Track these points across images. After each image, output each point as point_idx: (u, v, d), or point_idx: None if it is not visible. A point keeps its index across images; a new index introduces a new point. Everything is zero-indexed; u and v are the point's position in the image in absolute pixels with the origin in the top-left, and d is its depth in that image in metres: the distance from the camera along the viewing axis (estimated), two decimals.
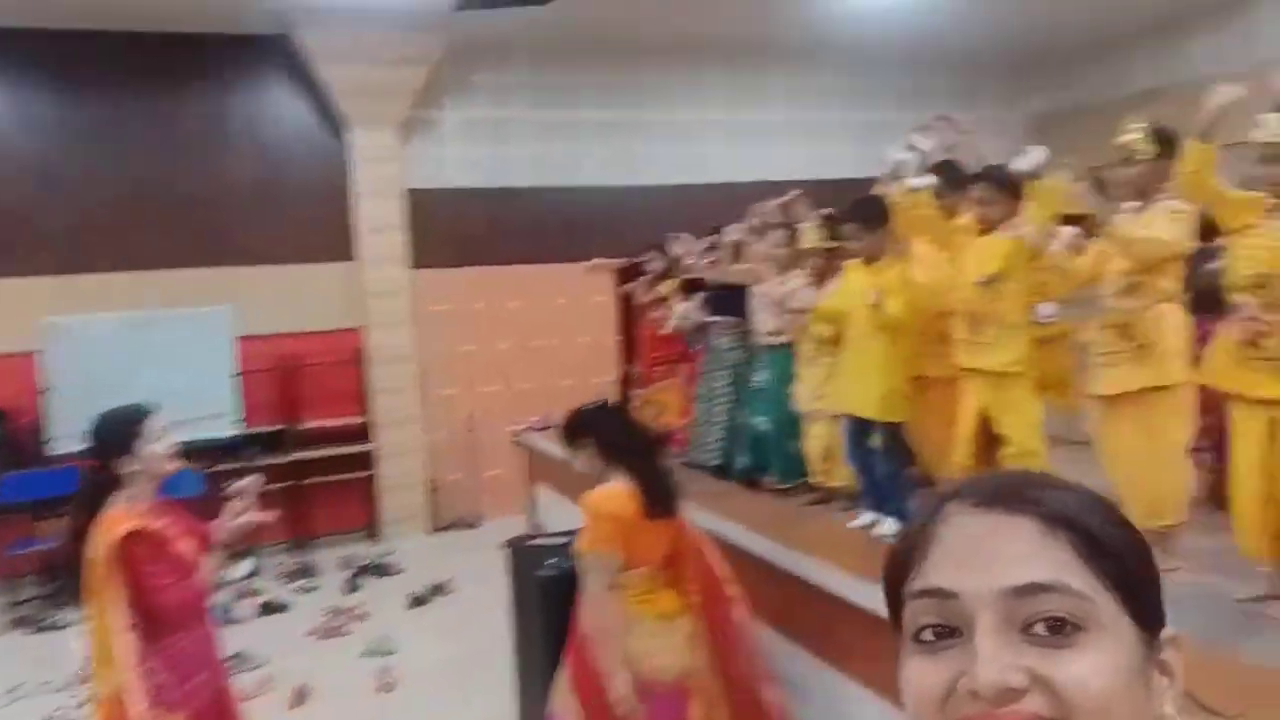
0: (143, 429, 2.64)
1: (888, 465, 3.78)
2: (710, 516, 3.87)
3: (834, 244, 4.20)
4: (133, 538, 2.58)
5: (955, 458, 3.58)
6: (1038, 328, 3.39)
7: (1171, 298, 2.95)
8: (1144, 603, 0.62)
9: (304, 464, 7.51)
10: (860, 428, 3.84)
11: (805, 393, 4.24)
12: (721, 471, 4.82)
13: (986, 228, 3.44)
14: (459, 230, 8.21)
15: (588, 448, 3.10)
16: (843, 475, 4.15)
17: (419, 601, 6.18)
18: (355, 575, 6.77)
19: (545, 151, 8.54)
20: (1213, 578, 2.90)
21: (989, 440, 3.48)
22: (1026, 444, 3.28)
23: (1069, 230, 3.21)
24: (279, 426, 7.53)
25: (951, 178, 3.68)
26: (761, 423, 4.49)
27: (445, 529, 8.08)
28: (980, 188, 3.37)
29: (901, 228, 3.57)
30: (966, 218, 3.58)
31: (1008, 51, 9.27)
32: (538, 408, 7.92)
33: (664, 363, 5.80)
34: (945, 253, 3.50)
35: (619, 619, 2.98)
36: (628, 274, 8.36)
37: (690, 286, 5.43)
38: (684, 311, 5.27)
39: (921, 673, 0.61)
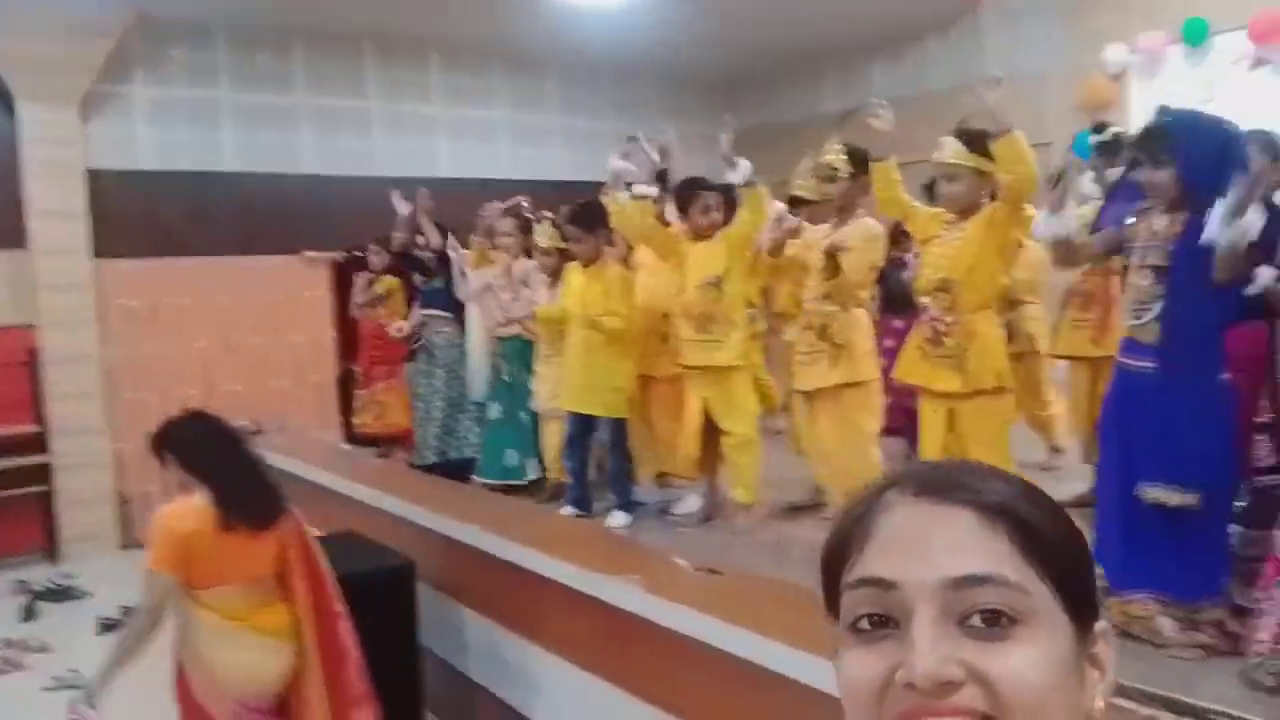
0: None
1: (614, 461, 3.92)
2: (445, 519, 3.85)
3: (565, 245, 4.31)
4: None
5: (683, 450, 3.81)
6: (751, 326, 3.68)
7: (862, 303, 3.32)
8: (1079, 596, 0.63)
9: None
10: (583, 426, 3.96)
11: (544, 391, 4.31)
12: (442, 469, 4.79)
13: (708, 234, 3.68)
14: (154, 217, 7.50)
15: (170, 461, 2.84)
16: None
17: (109, 627, 5.59)
18: (32, 601, 6.01)
19: (254, 137, 8.00)
20: None
21: (711, 432, 3.73)
22: (746, 433, 3.55)
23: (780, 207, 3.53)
24: None
25: (670, 188, 3.91)
26: (523, 414, 4.52)
27: (139, 546, 7.35)
28: (708, 196, 3.60)
29: (625, 234, 3.73)
30: (678, 225, 3.80)
31: (714, 69, 9.90)
32: (246, 412, 7.43)
33: (385, 361, 5.65)
34: (667, 259, 3.70)
35: (197, 642, 2.78)
36: (344, 268, 8.07)
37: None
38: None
39: (858, 664, 0.61)
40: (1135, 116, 6.93)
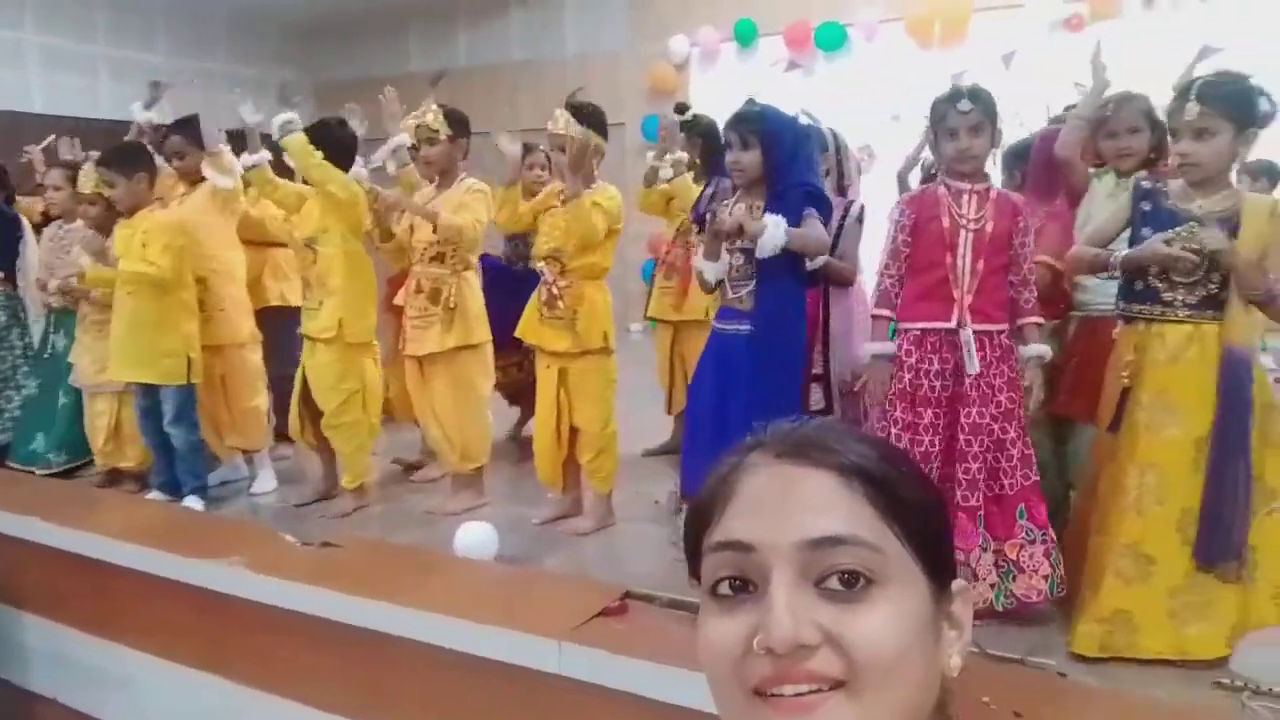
0: None
1: (182, 430, 3.54)
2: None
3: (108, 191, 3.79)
4: None
5: (290, 419, 3.59)
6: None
7: (471, 266, 3.34)
8: (936, 555, 0.63)
9: None
10: (150, 397, 3.55)
11: (88, 364, 3.78)
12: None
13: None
14: None
15: None
16: (134, 454, 3.82)
17: None
18: None
19: None
20: (516, 507, 3.40)
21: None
22: (338, 410, 3.37)
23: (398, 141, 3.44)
24: None
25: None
26: (62, 394, 3.92)
27: None
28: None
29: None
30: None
31: (293, 17, 9.28)
32: None
33: None
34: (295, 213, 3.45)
35: None
36: None
37: None
38: None
39: (717, 630, 0.60)
40: (696, 105, 7.70)
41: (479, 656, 2.30)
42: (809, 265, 2.73)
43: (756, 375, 2.52)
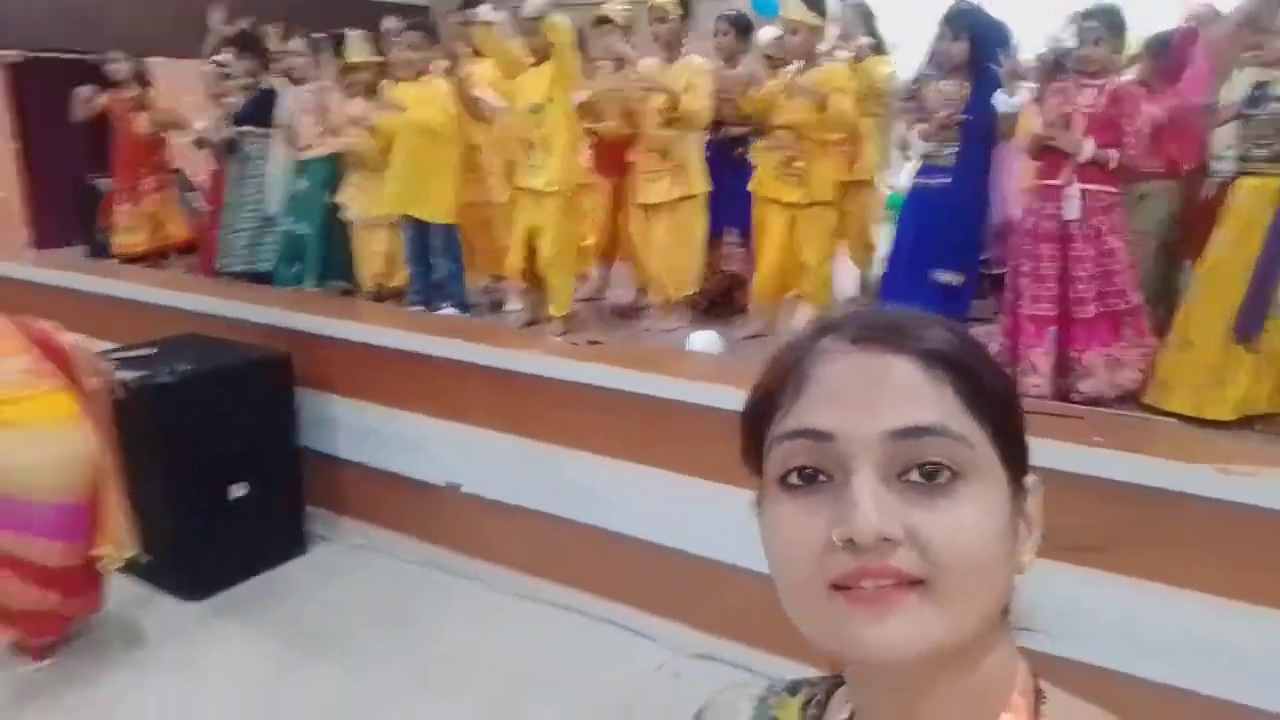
0: None
1: (448, 262, 4.40)
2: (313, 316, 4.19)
3: (381, 59, 4.56)
4: None
5: (510, 261, 4.37)
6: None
7: (698, 128, 4.08)
8: (1015, 449, 0.61)
9: None
10: (421, 230, 4.39)
11: (362, 202, 4.60)
12: (247, 278, 4.97)
13: (538, 60, 4.15)
14: None
15: None
16: (398, 277, 4.69)
17: None
18: None
19: None
20: (719, 325, 4.24)
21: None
22: (559, 250, 4.13)
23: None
24: None
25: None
26: (301, 228, 4.74)
27: None
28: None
29: (487, 51, 4.09)
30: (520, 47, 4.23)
31: None
32: None
33: (155, 173, 5.46)
34: (513, 78, 4.14)
35: None
36: (22, 70, 7.25)
37: None
38: (216, 124, 5.08)
39: (794, 522, 0.58)
40: None
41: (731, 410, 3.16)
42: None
43: (948, 232, 3.33)
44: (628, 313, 4.69)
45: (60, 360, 3.23)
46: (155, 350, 3.86)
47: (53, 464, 3.10)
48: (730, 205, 4.24)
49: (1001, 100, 3.17)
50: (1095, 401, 3.12)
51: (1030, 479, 0.63)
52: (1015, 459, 0.61)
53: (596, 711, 3.12)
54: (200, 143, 5.18)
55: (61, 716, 3.13)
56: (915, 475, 0.56)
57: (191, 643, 3.55)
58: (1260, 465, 2.44)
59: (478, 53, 4.32)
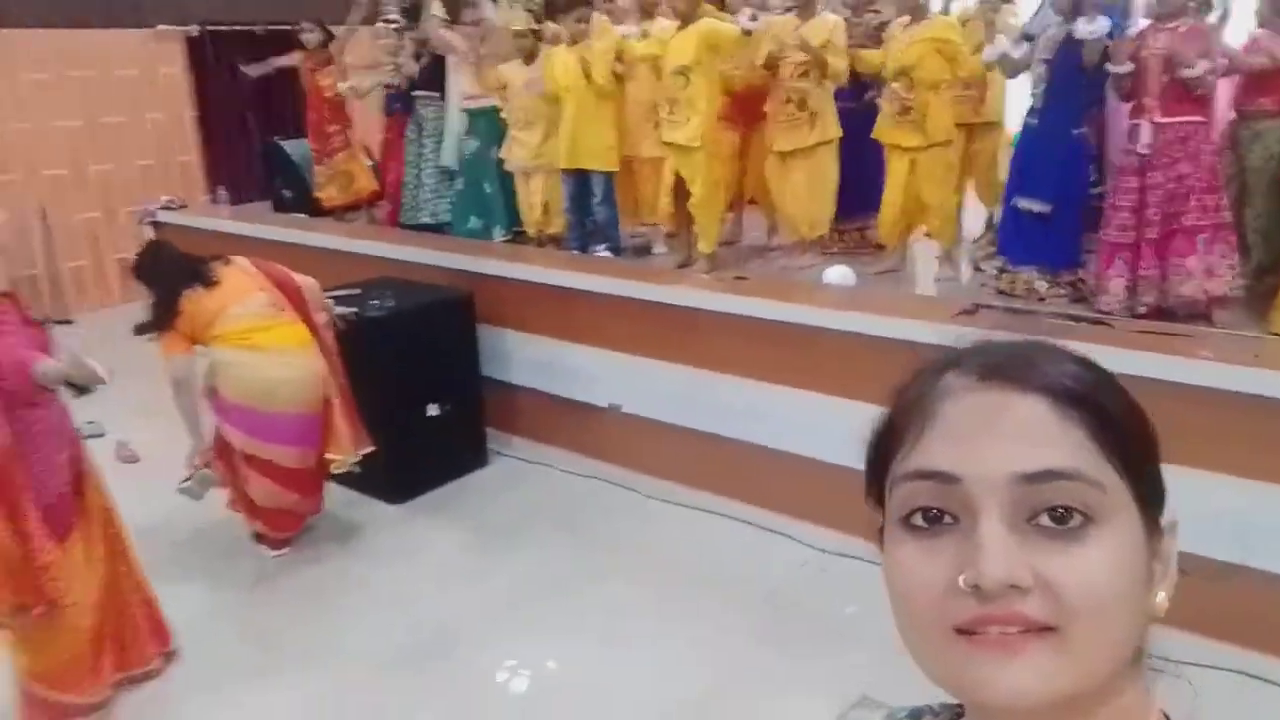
0: None
1: (607, 209, 4.91)
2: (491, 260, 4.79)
3: (538, 26, 5.04)
4: None
5: (660, 206, 4.84)
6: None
7: (837, 79, 4.45)
8: (1150, 487, 0.58)
9: None
10: (581, 180, 4.89)
11: (522, 153, 5.13)
12: (430, 229, 5.58)
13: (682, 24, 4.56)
14: None
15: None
16: (556, 224, 5.21)
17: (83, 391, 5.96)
18: None
19: None
20: (853, 262, 4.62)
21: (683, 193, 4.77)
22: (705, 195, 4.55)
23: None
24: None
25: None
26: (487, 186, 5.32)
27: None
28: None
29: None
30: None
31: None
32: (122, 193, 7.52)
33: (344, 131, 6.12)
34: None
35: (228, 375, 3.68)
36: (198, 43, 8.04)
37: None
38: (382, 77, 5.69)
39: (916, 564, 0.56)
40: None
41: (877, 336, 3.57)
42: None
43: (1033, 162, 3.67)
44: (761, 253, 5.12)
45: (294, 297, 3.88)
46: (358, 292, 4.49)
47: (292, 381, 3.75)
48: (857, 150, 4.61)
49: (1082, 28, 3.48)
50: (1173, 312, 3.46)
51: (1166, 518, 0.60)
52: (1150, 498, 0.58)
53: (750, 600, 3.62)
54: (354, 91, 5.77)
55: (300, 592, 3.82)
56: (1045, 519, 0.54)
57: (399, 536, 4.21)
58: None
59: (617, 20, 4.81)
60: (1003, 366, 0.58)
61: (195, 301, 3.65)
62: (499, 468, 4.80)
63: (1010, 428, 0.55)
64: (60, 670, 3.00)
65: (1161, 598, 0.58)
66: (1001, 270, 4.03)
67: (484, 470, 4.76)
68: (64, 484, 2.97)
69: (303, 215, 6.29)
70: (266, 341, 3.73)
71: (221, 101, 8.22)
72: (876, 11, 4.59)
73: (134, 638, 3.22)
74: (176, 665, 3.32)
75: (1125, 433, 0.57)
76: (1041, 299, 3.90)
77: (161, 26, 7.94)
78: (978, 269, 4.43)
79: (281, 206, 6.64)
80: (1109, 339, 3.20)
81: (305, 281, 3.93)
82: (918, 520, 0.57)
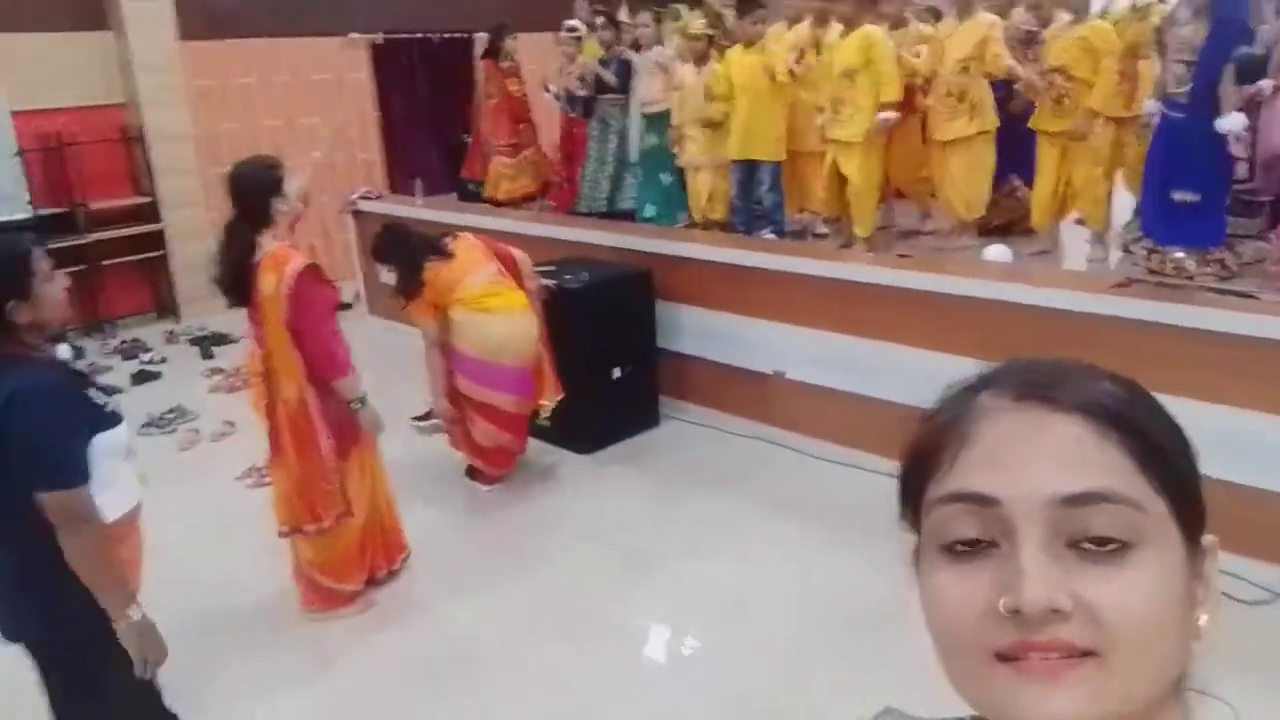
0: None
1: (774, 195, 5.40)
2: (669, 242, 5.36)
3: (714, 32, 5.58)
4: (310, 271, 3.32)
5: (822, 195, 5.30)
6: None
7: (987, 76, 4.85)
8: (1191, 508, 0.57)
9: (96, 245, 7.35)
10: (750, 170, 5.39)
11: (693, 150, 5.67)
12: (608, 216, 6.19)
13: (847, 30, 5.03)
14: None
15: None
16: (719, 211, 5.72)
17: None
18: (206, 345, 7.09)
19: None
20: (1006, 244, 4.99)
21: (841, 183, 5.23)
22: (863, 185, 5.00)
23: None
24: (64, 208, 7.23)
25: None
26: (665, 178, 5.88)
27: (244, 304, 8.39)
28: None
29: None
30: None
31: None
32: (319, 183, 8.36)
33: (528, 129, 6.82)
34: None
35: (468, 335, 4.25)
36: (383, 50, 8.87)
37: None
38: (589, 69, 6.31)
39: (954, 589, 0.56)
40: None
41: (1036, 306, 3.94)
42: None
43: (1185, 156, 3.98)
44: (913, 236, 5.53)
45: (512, 269, 4.50)
46: (555, 268, 5.09)
47: (516, 339, 4.36)
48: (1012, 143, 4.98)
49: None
50: None
51: (1207, 539, 0.59)
52: (1191, 518, 0.57)
53: (895, 534, 4.04)
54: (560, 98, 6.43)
55: (511, 522, 4.42)
56: (1085, 543, 0.54)
57: (591, 479, 4.79)
58: None
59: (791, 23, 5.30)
60: (1038, 386, 0.58)
61: (436, 273, 4.28)
62: (670, 428, 5.33)
63: (1048, 449, 0.55)
64: (337, 562, 3.66)
65: (1204, 620, 0.58)
66: (1151, 251, 4.34)
67: (656, 429, 5.30)
68: (345, 409, 3.62)
69: (486, 204, 6.99)
70: (496, 305, 4.34)
71: (403, 103, 9.06)
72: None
73: (387, 540, 3.86)
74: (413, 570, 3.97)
75: (1164, 452, 0.57)
76: (1190, 277, 4.20)
77: (352, 35, 8.81)
78: (1127, 250, 4.75)
79: (465, 196, 7.37)
80: (1255, 309, 3.51)
81: (519, 255, 4.55)
82: (956, 545, 0.57)
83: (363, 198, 7.36)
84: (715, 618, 3.59)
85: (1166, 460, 0.57)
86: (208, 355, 6.97)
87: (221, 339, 7.27)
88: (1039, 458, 0.55)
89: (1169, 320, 3.60)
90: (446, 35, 8.99)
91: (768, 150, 5.28)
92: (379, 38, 8.98)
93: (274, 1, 8.28)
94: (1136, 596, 0.53)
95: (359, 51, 8.96)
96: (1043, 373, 0.59)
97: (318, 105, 8.72)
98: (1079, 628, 0.52)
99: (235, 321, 7.74)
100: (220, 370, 6.53)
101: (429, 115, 8.75)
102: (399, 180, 8.70)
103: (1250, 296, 3.78)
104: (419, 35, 9.09)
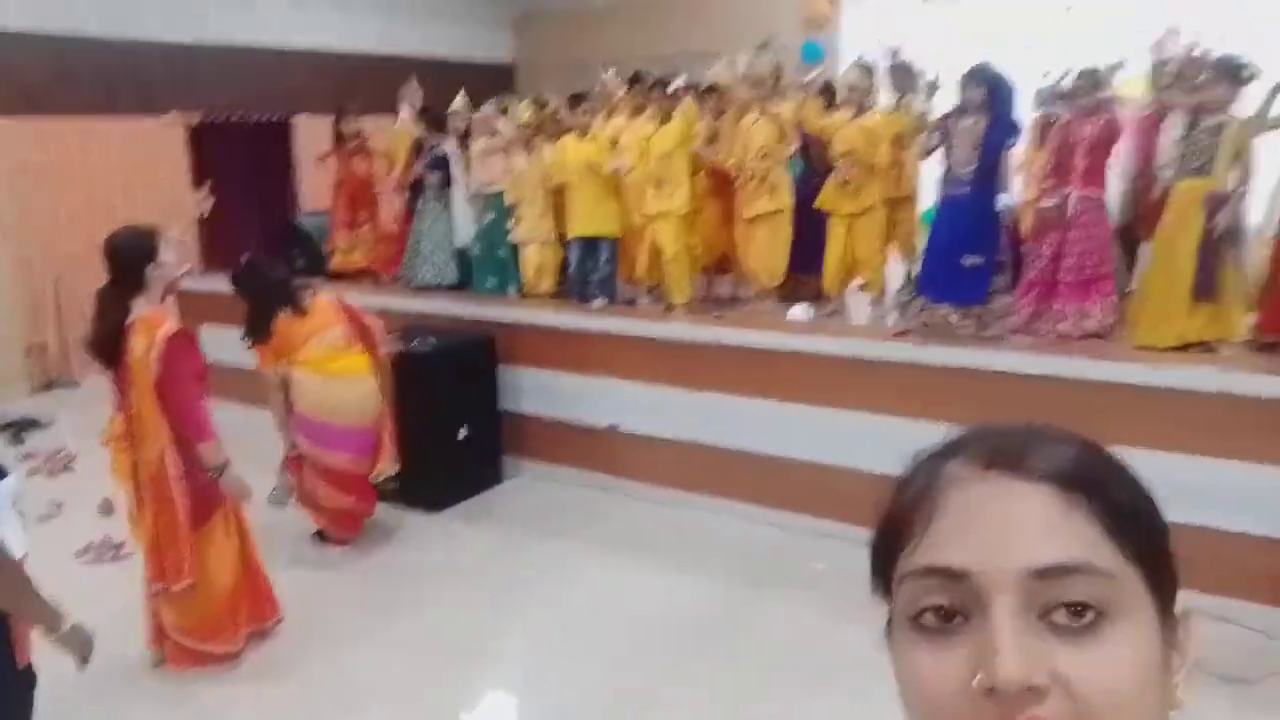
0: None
1: (609, 266, 5.88)
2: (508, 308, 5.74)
3: (541, 119, 6.11)
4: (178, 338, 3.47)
5: (640, 264, 5.85)
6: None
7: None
8: (1162, 574, 0.57)
9: None
10: (588, 245, 5.87)
11: (526, 226, 6.11)
12: (450, 288, 6.51)
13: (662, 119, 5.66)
14: (18, 77, 7.84)
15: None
16: (547, 283, 6.16)
17: None
18: (15, 432, 6.78)
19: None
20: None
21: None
22: (676, 254, 5.55)
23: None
24: None
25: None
26: (501, 252, 6.27)
27: (47, 388, 8.05)
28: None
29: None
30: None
31: None
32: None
33: (369, 207, 7.09)
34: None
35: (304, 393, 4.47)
36: (200, 131, 8.91)
37: None
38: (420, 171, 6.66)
39: (927, 666, 0.55)
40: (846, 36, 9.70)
41: (834, 354, 4.60)
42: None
43: (972, 226, 4.78)
44: (724, 303, 6.17)
45: (362, 331, 4.74)
46: (399, 335, 5.36)
47: (355, 399, 4.58)
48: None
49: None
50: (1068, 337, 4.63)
51: (1181, 608, 0.59)
52: (1164, 586, 0.57)
53: (739, 572, 4.53)
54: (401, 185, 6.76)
55: (375, 577, 4.60)
56: (1060, 615, 0.53)
57: (443, 534, 5.04)
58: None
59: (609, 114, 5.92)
60: (1007, 454, 0.57)
61: (287, 324, 4.46)
62: (512, 484, 5.67)
63: (1019, 520, 0.55)
64: (203, 624, 3.74)
65: (1181, 689, 0.58)
66: (922, 308, 5.13)
67: (499, 486, 5.63)
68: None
69: (319, 278, 7.13)
70: (337, 369, 4.56)
71: (221, 184, 9.04)
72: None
73: (257, 600, 3.96)
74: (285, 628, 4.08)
75: (1134, 518, 0.57)
76: (955, 327, 5.00)
77: (173, 113, 8.79)
78: (901, 308, 5.53)
79: (296, 273, 7.47)
80: (1002, 348, 4.33)
81: (373, 321, 4.81)
82: (928, 620, 0.56)
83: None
84: (579, 639, 3.95)
85: (1135, 523, 0.57)
86: (17, 441, 6.67)
87: (31, 424, 6.98)
88: (1010, 530, 0.55)
89: (939, 361, 4.36)
90: (266, 120, 9.14)
91: (608, 226, 5.76)
92: (194, 119, 8.99)
93: (87, 80, 8.18)
94: (1113, 670, 0.53)
95: (175, 132, 8.93)
96: (1011, 440, 0.59)
97: (130, 184, 8.60)
98: (1056, 703, 0.52)
99: (41, 406, 7.49)
100: (32, 455, 6.28)
101: (247, 195, 8.80)
102: (215, 258, 8.65)
103: (1000, 339, 4.61)
104: (237, 118, 9.18)
